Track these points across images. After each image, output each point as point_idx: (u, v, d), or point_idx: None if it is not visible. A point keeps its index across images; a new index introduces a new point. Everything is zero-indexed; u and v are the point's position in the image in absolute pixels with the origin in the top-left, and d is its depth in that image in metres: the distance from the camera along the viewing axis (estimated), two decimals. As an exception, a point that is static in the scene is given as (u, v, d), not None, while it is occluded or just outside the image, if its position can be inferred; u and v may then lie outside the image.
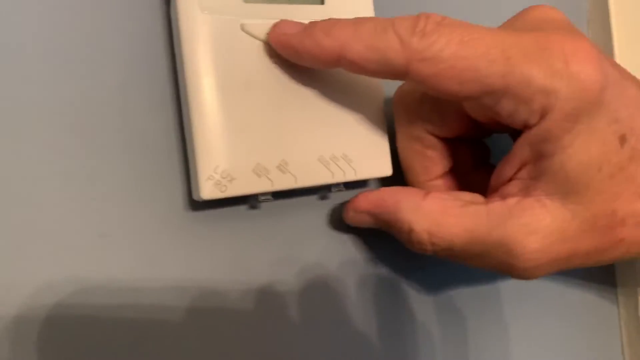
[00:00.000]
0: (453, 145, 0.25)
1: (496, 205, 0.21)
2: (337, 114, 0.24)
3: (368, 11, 0.25)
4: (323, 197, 0.26)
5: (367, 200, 0.24)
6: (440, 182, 0.25)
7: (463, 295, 0.29)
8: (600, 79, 0.19)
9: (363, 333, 0.26)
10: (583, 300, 0.34)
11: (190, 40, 0.21)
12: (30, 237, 0.20)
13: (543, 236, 0.20)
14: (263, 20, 0.23)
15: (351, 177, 0.24)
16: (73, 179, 0.21)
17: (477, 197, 0.22)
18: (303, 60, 0.22)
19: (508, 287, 0.31)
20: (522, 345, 0.31)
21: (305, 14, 0.23)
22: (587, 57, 0.19)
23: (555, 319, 0.33)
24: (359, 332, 0.26)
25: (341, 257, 0.26)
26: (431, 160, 0.25)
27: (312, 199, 0.26)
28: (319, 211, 0.26)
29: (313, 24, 0.22)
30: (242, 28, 0.22)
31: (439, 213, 0.22)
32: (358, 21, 0.21)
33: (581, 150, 0.19)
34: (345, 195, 0.26)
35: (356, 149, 0.24)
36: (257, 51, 0.22)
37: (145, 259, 0.22)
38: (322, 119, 0.24)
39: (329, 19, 0.21)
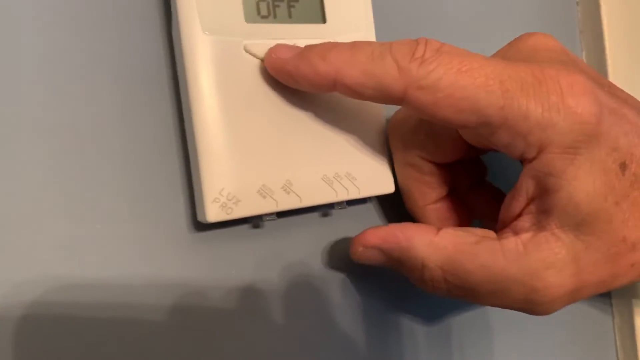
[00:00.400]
0: (449, 168, 0.25)
1: (511, 242, 0.21)
2: (340, 133, 0.24)
3: (369, 29, 0.25)
4: (325, 215, 0.26)
5: (377, 235, 0.23)
6: (439, 205, 0.25)
7: (453, 303, 0.30)
8: (596, 111, 0.19)
9: (367, 350, 0.27)
10: (577, 308, 0.34)
11: (193, 61, 0.21)
12: (34, 263, 0.20)
13: (560, 269, 0.20)
14: (265, 40, 0.22)
15: (354, 195, 0.24)
16: (77, 203, 0.21)
17: (489, 232, 0.22)
18: (299, 85, 0.22)
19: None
20: (515, 353, 0.32)
21: (307, 33, 0.23)
22: (582, 90, 0.19)
23: (550, 327, 0.33)
24: (362, 349, 0.26)
25: (343, 274, 0.26)
26: (429, 185, 0.25)
27: (314, 216, 0.26)
28: (321, 228, 0.26)
29: (309, 48, 0.21)
30: (245, 48, 0.22)
31: (453, 249, 0.21)
32: (355, 45, 0.21)
33: (586, 181, 0.20)
34: (347, 212, 0.26)
35: (359, 167, 0.24)
36: (259, 71, 0.22)
37: (150, 281, 0.22)
38: (325, 138, 0.24)
39: (326, 43, 0.21)
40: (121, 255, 0.21)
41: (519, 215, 0.21)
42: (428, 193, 0.25)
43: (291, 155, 0.23)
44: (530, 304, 0.21)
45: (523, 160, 0.21)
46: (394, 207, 0.27)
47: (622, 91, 0.23)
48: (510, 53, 0.23)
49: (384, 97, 0.21)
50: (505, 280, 0.20)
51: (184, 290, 0.22)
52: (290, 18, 0.23)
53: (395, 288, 0.28)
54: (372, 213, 0.27)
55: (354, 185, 0.24)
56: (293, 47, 0.22)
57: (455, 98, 0.19)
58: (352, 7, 0.25)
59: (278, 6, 0.23)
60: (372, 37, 0.25)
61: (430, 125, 0.23)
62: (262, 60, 0.22)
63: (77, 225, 0.21)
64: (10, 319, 0.19)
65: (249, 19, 0.22)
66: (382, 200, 0.27)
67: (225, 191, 0.21)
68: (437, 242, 0.21)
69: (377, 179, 0.25)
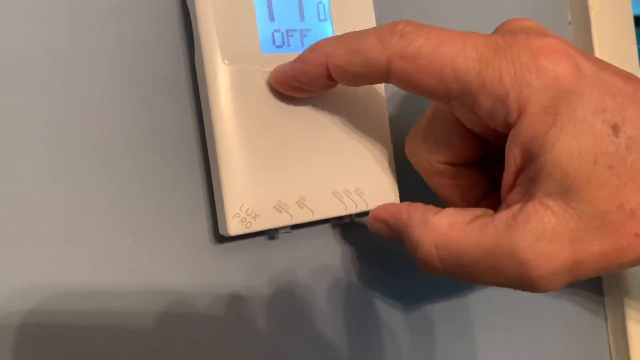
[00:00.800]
0: (479, 166, 0.25)
1: (502, 215, 0.20)
2: (348, 151, 0.26)
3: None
4: (335, 226, 0.28)
5: (387, 210, 0.24)
6: (486, 203, 0.25)
7: (452, 307, 0.31)
8: (570, 67, 0.19)
9: (373, 351, 0.28)
10: (570, 310, 0.36)
11: (214, 87, 0.23)
12: (69, 273, 0.22)
13: (551, 239, 0.19)
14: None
15: (362, 208, 0.26)
16: (110, 218, 0.23)
17: (487, 211, 0.22)
18: (300, 85, 0.23)
19: (493, 297, 0.33)
20: (507, 354, 0.34)
21: (318, 60, 0.25)
22: (553, 49, 0.19)
23: (543, 329, 0.35)
24: (375, 352, 0.28)
25: (354, 280, 0.28)
26: (463, 188, 0.25)
27: (325, 227, 0.28)
28: (331, 238, 0.28)
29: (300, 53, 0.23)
30: (261, 76, 0.24)
31: (447, 227, 0.21)
32: (340, 35, 0.22)
33: (570, 143, 0.19)
34: (356, 223, 0.28)
35: (366, 182, 0.26)
36: (274, 96, 0.24)
37: (174, 290, 0.24)
38: (335, 156, 0.26)
39: (315, 42, 0.23)
40: (150, 266, 0.23)
41: (511, 188, 0.21)
42: (465, 195, 0.25)
43: (304, 173, 0.25)
44: (526, 279, 0.20)
45: (508, 130, 0.21)
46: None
47: (609, 63, 0.22)
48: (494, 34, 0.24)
49: (370, 71, 0.21)
50: (496, 254, 0.20)
51: (207, 297, 0.24)
52: (302, 46, 0.25)
53: (412, 290, 0.29)
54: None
55: (361, 199, 0.26)
56: (288, 62, 0.24)
57: (436, 65, 0.20)
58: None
59: (291, 36, 0.25)
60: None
61: (437, 129, 0.24)
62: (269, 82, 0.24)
63: (109, 238, 0.23)
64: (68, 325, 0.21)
65: (265, 49, 0.24)
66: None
67: (244, 207, 0.23)
68: (432, 221, 0.22)
69: (383, 192, 0.27)
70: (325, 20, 0.26)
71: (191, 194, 0.24)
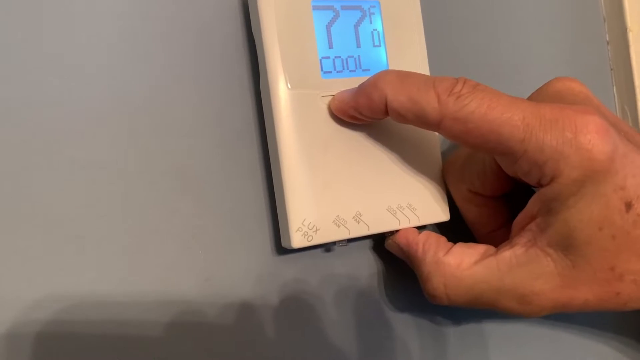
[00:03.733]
0: (504, 200, 0.28)
1: (506, 254, 0.24)
2: (402, 169, 0.28)
3: (425, 73, 0.28)
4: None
5: (406, 239, 0.26)
6: (502, 232, 0.27)
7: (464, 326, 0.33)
8: (607, 150, 0.21)
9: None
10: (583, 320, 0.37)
11: (279, 111, 0.25)
12: (149, 284, 0.24)
13: (547, 280, 0.23)
14: (338, 91, 0.26)
15: (415, 223, 0.28)
16: (185, 232, 0.25)
17: (490, 248, 0.25)
18: (360, 115, 0.25)
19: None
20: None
21: (373, 84, 0.27)
22: (595, 129, 0.21)
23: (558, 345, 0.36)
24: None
25: (402, 290, 0.30)
26: (487, 215, 0.28)
27: (376, 240, 0.29)
28: (383, 251, 0.29)
29: (362, 83, 0.25)
30: (321, 100, 0.26)
31: (455, 267, 0.24)
32: (403, 75, 0.24)
33: (584, 210, 0.22)
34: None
35: (418, 198, 0.28)
36: (333, 119, 0.26)
37: (242, 298, 0.26)
38: (389, 173, 0.27)
39: (376, 74, 0.25)
40: (219, 276, 0.25)
41: (522, 230, 0.24)
42: (488, 222, 0.28)
43: (361, 189, 0.26)
44: (520, 310, 0.23)
45: (538, 188, 0.23)
46: (449, 233, 0.31)
47: (636, 134, 0.24)
48: (538, 97, 0.26)
49: (424, 122, 0.24)
50: (499, 290, 0.23)
51: (270, 305, 0.26)
52: (359, 71, 0.27)
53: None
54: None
55: (414, 215, 0.28)
56: (350, 90, 0.25)
57: (483, 130, 0.22)
58: (410, 56, 0.28)
59: (349, 61, 0.27)
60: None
61: (475, 163, 0.26)
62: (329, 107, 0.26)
63: (184, 251, 0.25)
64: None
65: (325, 75, 0.26)
66: (439, 227, 0.31)
67: (306, 221, 0.25)
68: (443, 261, 0.25)
69: (434, 208, 0.28)
70: (379, 46, 0.28)
71: (256, 210, 0.26)
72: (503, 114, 0.22)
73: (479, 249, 0.25)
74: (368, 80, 0.25)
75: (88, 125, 0.23)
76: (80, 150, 0.23)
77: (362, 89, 0.25)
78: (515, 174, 0.24)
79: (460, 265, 0.24)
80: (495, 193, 0.27)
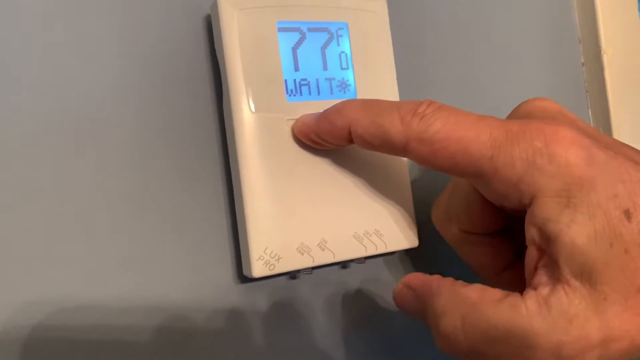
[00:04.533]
0: (503, 235, 0.25)
1: (532, 298, 0.20)
2: (368, 194, 0.27)
3: (395, 99, 0.28)
4: (344, 267, 0.28)
5: (417, 278, 0.24)
6: (511, 272, 0.25)
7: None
8: (581, 154, 0.20)
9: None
10: None
11: (242, 134, 0.24)
12: (106, 311, 0.23)
13: (583, 321, 0.19)
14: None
15: (382, 249, 0.27)
16: (143, 258, 0.24)
17: (512, 293, 0.21)
18: (323, 141, 0.24)
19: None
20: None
21: (340, 107, 0.26)
22: (564, 136, 0.20)
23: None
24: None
25: (368, 319, 0.29)
26: (486, 255, 0.25)
27: (335, 268, 0.28)
28: (349, 279, 0.28)
29: (327, 109, 0.24)
30: (286, 123, 0.25)
31: (477, 299, 0.21)
32: (367, 102, 0.23)
33: (586, 224, 0.19)
34: (376, 262, 0.28)
35: (386, 224, 0.27)
36: (298, 143, 0.25)
37: (202, 327, 0.25)
38: (356, 199, 0.26)
39: (340, 101, 0.24)
40: (178, 302, 0.24)
41: (536, 269, 0.21)
42: (493, 262, 0.26)
43: (326, 216, 0.26)
44: (559, 358, 0.20)
45: (526, 213, 0.21)
46: (417, 259, 0.30)
47: (622, 145, 0.22)
48: (512, 115, 0.25)
49: (390, 147, 0.23)
50: (530, 335, 0.20)
51: (231, 333, 0.25)
52: (326, 94, 0.26)
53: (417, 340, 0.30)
54: (397, 264, 0.30)
55: (381, 241, 0.27)
56: (314, 113, 0.25)
57: (450, 150, 0.21)
58: (379, 79, 0.28)
59: (315, 84, 0.26)
60: (396, 107, 0.28)
61: (458, 199, 0.25)
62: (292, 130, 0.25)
63: (142, 275, 0.24)
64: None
65: (290, 97, 0.25)
66: (408, 252, 0.30)
67: (268, 250, 0.24)
68: (461, 292, 0.21)
69: (403, 234, 0.27)
70: (347, 68, 0.27)
71: (217, 237, 0.25)
72: (469, 131, 0.21)
73: (501, 291, 0.21)
74: (333, 106, 0.24)
75: (46, 145, 0.23)
76: (44, 170, 0.22)
77: (325, 114, 0.24)
78: (497, 201, 0.22)
79: (482, 300, 0.21)
80: (489, 229, 0.25)
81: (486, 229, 0.25)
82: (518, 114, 0.25)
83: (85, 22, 0.24)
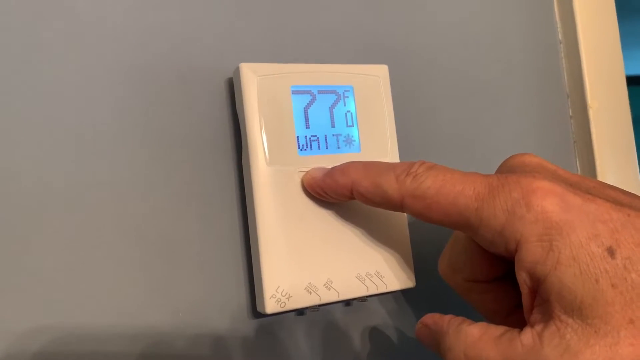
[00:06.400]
0: (508, 284, 0.27)
1: (527, 334, 0.22)
2: (370, 239, 0.30)
3: (394, 155, 0.31)
4: (347, 304, 0.31)
5: (432, 318, 0.26)
6: (515, 317, 0.27)
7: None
8: (556, 201, 0.21)
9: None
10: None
11: (259, 185, 0.27)
12: (133, 341, 0.26)
13: (575, 354, 0.21)
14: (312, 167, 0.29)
15: (382, 289, 0.30)
16: (165, 296, 0.27)
17: (513, 329, 0.23)
18: (327, 195, 0.28)
19: None
20: None
21: (346, 160, 0.29)
22: (539, 187, 0.22)
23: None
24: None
25: (367, 355, 0.31)
26: (493, 301, 0.27)
27: (339, 306, 0.31)
28: (352, 316, 0.31)
29: (334, 167, 0.28)
30: (297, 175, 0.28)
31: (478, 337, 0.23)
32: (367, 164, 0.27)
33: (571, 264, 0.21)
34: (378, 301, 0.31)
35: (386, 266, 0.30)
36: (307, 193, 0.28)
37: (219, 355, 0.27)
38: (359, 243, 0.29)
39: (345, 162, 0.27)
40: (197, 338, 0.27)
41: (532, 309, 0.23)
42: (501, 307, 0.27)
43: (332, 258, 0.29)
44: None
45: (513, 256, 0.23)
46: (415, 298, 0.33)
47: (606, 188, 0.24)
48: (498, 171, 0.27)
49: (388, 203, 0.25)
50: None
51: (243, 366, 0.28)
52: (334, 149, 0.29)
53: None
54: (395, 302, 0.33)
55: (381, 282, 0.30)
56: (323, 169, 0.28)
57: (441, 204, 0.24)
58: (381, 135, 0.31)
59: (324, 140, 0.29)
60: (397, 160, 0.31)
61: (458, 251, 0.27)
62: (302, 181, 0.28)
63: (164, 315, 0.26)
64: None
65: (301, 152, 0.28)
66: (406, 292, 0.33)
67: (280, 289, 0.27)
68: (465, 330, 0.24)
69: (401, 275, 0.30)
70: (352, 126, 0.30)
71: (234, 276, 0.28)
72: (455, 186, 0.23)
73: (502, 327, 0.24)
74: (338, 166, 0.27)
75: (78, 195, 0.26)
76: (73, 215, 0.25)
77: (331, 172, 0.27)
78: (489, 248, 0.24)
79: (483, 336, 0.23)
80: (490, 276, 0.27)
81: (488, 276, 0.27)
82: (502, 169, 0.27)
83: (117, 89, 0.27)
